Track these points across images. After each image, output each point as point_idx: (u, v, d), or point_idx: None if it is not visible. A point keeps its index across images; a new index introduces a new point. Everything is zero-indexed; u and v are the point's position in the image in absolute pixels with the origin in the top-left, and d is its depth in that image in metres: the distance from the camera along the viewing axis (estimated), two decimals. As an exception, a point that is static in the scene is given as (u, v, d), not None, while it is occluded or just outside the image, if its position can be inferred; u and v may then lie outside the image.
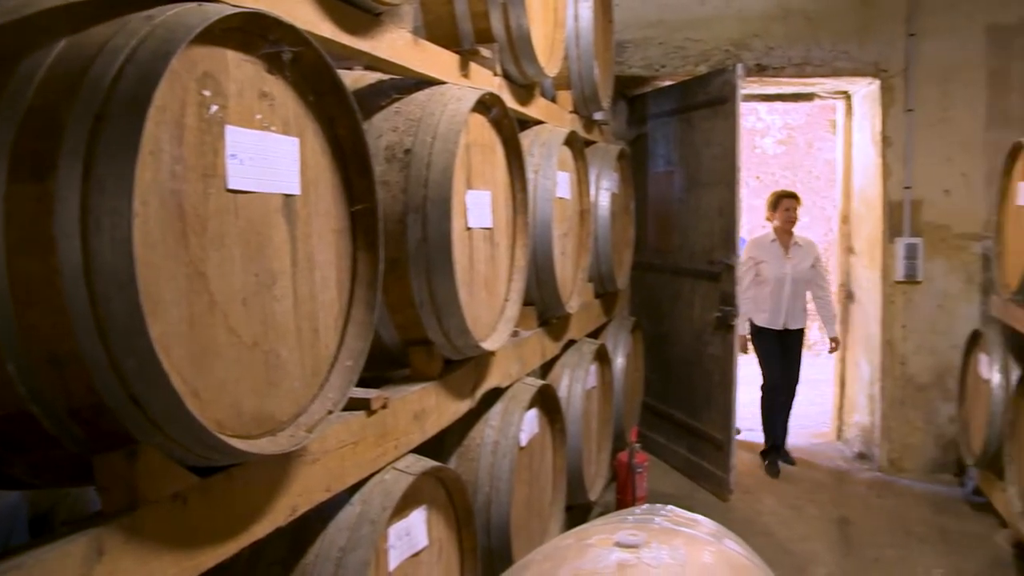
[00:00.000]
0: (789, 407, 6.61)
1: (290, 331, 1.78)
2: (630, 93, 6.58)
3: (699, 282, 5.86)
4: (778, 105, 9.28)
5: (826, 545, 4.99)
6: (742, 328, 5.92)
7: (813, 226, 10.38)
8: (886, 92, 6.05)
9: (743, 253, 5.98)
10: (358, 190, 2.02)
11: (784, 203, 6.35)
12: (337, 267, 1.98)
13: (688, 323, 6.02)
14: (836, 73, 6.11)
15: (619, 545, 2.08)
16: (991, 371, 5.06)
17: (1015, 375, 4.78)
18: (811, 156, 10.54)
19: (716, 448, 5.62)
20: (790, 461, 6.51)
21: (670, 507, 2.38)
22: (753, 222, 10.41)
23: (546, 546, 2.22)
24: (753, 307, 6.28)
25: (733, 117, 5.32)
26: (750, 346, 6.46)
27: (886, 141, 6.08)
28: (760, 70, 6.08)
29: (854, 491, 5.92)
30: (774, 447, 6.53)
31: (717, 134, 5.53)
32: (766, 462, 6.45)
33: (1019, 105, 5.92)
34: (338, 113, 1.93)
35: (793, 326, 6.36)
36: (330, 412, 1.86)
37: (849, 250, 6.95)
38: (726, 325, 5.47)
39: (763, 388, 6.57)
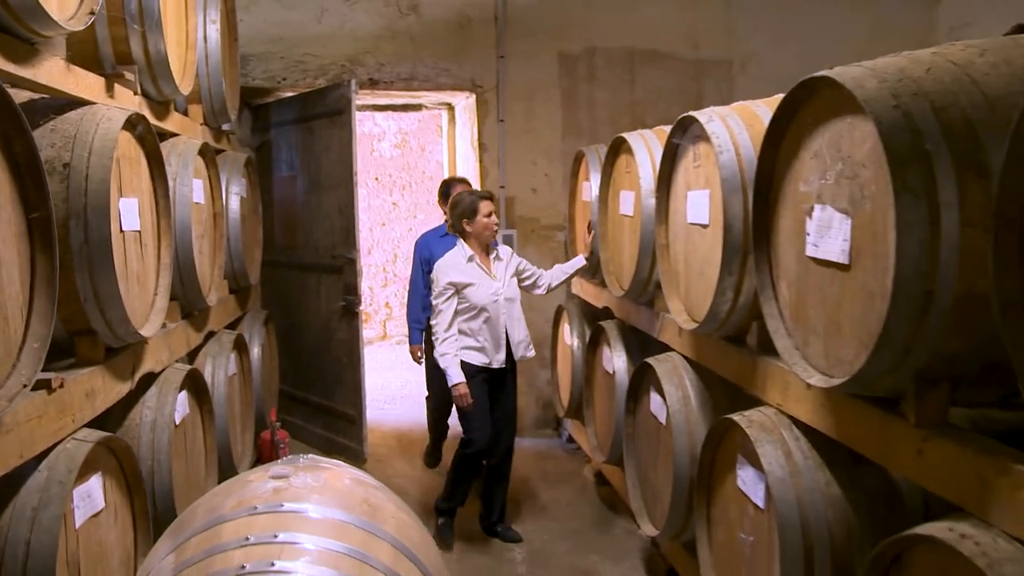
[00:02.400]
0: (508, 472, 5.22)
1: (-16, 319, 2.12)
2: (254, 103, 6.99)
3: (324, 275, 6.44)
4: (393, 112, 10.08)
5: (453, 496, 5.79)
6: (456, 375, 4.74)
7: (428, 222, 11.34)
8: (481, 105, 7.00)
9: (437, 281, 4.80)
10: (34, 200, 2.37)
11: (485, 207, 4.85)
12: (19, 266, 2.32)
13: (316, 313, 6.58)
14: (439, 88, 6.95)
15: (273, 477, 2.64)
16: (572, 338, 6.18)
17: (588, 338, 5.89)
18: (424, 158, 11.48)
19: (349, 423, 6.26)
20: (516, 537, 5.14)
21: (311, 455, 2.96)
22: (372, 219, 11.19)
23: (213, 489, 2.71)
24: (464, 344, 4.83)
25: (349, 127, 5.95)
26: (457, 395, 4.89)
27: (483, 147, 7.04)
28: (373, 84, 6.77)
29: (474, 451, 6.81)
30: (492, 523, 5.19)
31: (335, 142, 6.14)
32: (444, 521, 5.16)
33: (586, 120, 7.17)
34: (14, 134, 2.28)
35: (516, 357, 5.01)
36: (25, 386, 2.22)
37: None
38: (351, 312, 6.11)
39: (466, 449, 4.98)
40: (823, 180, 2.42)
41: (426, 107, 7.89)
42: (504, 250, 5.04)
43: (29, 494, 2.43)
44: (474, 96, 7.01)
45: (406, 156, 11.54)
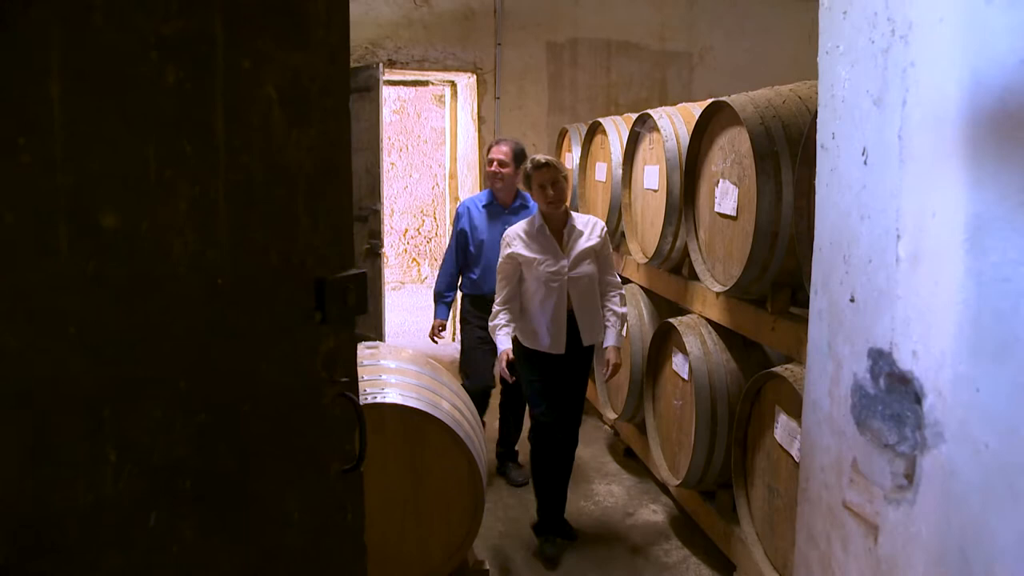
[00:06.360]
0: (571, 462, 4.61)
1: None
2: (291, 77, 8.28)
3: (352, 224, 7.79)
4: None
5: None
6: (504, 342, 4.30)
7: (423, 181, 12.68)
8: (481, 84, 8.35)
9: (501, 250, 4.38)
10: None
11: (537, 177, 4.26)
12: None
13: (344, 255, 7.94)
14: (446, 69, 8.30)
15: (366, 347, 4.08)
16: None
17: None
18: (420, 124, 12.74)
19: (371, 344, 7.68)
20: (571, 535, 4.65)
21: (377, 341, 4.40)
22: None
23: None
24: (521, 324, 4.37)
25: (377, 101, 7.29)
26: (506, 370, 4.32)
27: (481, 120, 8.40)
28: (391, 64, 8.11)
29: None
30: (551, 519, 4.54)
31: (364, 113, 7.47)
32: (541, 539, 4.52)
33: (568, 99, 8.56)
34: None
35: (586, 343, 4.40)
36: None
37: (457, 199, 9.27)
38: (375, 253, 7.50)
39: (537, 433, 4.46)
40: (724, 164, 3.87)
41: (432, 84, 9.23)
42: (588, 223, 4.41)
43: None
44: (475, 76, 8.36)
45: (404, 121, 12.78)
